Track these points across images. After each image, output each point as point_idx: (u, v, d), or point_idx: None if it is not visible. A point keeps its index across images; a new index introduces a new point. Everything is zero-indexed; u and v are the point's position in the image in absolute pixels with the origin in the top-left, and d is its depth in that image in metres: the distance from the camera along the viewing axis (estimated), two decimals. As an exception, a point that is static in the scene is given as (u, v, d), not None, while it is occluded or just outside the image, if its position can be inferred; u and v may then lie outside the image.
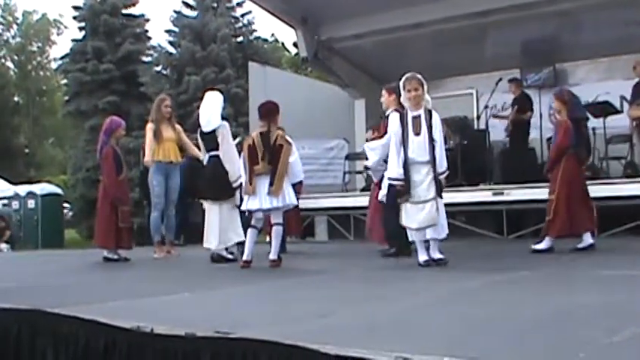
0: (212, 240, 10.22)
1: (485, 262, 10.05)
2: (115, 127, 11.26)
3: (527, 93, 16.51)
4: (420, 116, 8.72)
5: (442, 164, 8.77)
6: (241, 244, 9.93)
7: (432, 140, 8.62)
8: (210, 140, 10.29)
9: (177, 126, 12.49)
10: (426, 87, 8.91)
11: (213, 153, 10.24)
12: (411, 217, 8.60)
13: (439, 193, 8.60)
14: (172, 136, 12.14)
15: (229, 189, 10.16)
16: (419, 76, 8.93)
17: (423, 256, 8.69)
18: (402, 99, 8.96)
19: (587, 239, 10.35)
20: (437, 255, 8.77)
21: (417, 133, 8.64)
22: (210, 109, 10.40)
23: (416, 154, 8.61)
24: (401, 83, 8.93)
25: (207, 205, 10.40)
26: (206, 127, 10.25)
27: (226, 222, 10.19)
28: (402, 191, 8.63)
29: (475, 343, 3.75)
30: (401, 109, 9.07)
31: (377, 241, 11.11)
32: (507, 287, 6.68)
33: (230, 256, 10.37)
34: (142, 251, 11.72)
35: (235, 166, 9.86)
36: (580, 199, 10.47)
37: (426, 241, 8.78)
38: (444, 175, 8.89)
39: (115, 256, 10.96)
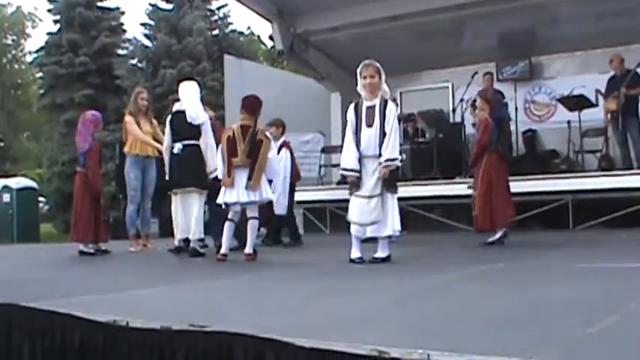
0: (196, 230, 10.19)
1: (460, 255, 10.08)
2: (99, 122, 11.32)
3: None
4: (374, 107, 8.40)
5: (392, 154, 8.28)
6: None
7: (383, 133, 8.30)
8: (190, 130, 10.23)
9: (154, 120, 12.47)
10: (383, 76, 8.51)
11: (190, 142, 10.21)
12: (353, 211, 8.41)
13: (388, 189, 8.37)
14: (149, 129, 12.11)
15: (207, 179, 10.21)
16: (376, 64, 8.51)
17: (354, 253, 8.43)
18: (358, 87, 8.61)
19: (498, 233, 10.66)
20: (377, 253, 8.45)
21: (369, 125, 8.34)
22: (196, 102, 10.43)
23: (364, 148, 8.37)
24: (358, 70, 8.57)
25: (182, 194, 10.33)
26: (196, 120, 10.23)
27: (201, 212, 10.22)
28: (354, 182, 8.40)
29: (450, 336, 3.76)
30: (358, 98, 8.67)
31: None
32: (483, 280, 6.71)
33: (202, 250, 10.37)
34: (117, 245, 11.68)
35: (216, 158, 9.83)
36: (501, 194, 10.69)
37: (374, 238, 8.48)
38: (391, 166, 8.30)
39: (92, 250, 10.92)
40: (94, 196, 10.93)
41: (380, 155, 8.27)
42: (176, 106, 10.66)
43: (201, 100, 10.70)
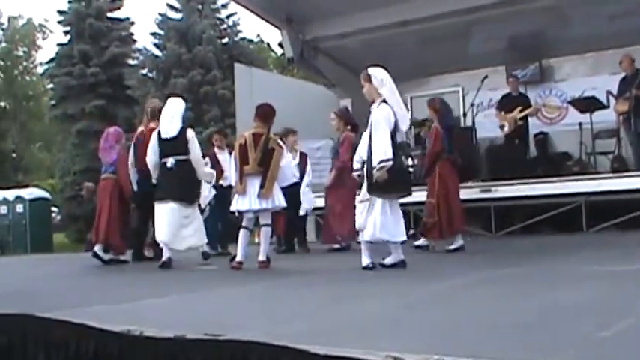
0: (202, 236, 10.46)
1: (474, 260, 10.06)
2: (122, 136, 11.79)
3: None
4: (370, 112, 8.56)
5: (377, 157, 8.14)
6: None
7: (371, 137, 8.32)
8: (177, 145, 10.31)
9: None
10: (375, 80, 8.64)
11: (180, 157, 10.30)
12: (357, 217, 8.52)
13: (372, 193, 8.28)
14: None
15: (199, 191, 10.69)
16: (366, 71, 8.76)
17: (364, 260, 8.40)
18: None
19: (459, 240, 10.79)
20: (385, 259, 8.49)
21: (366, 130, 8.54)
22: (176, 115, 10.49)
23: (361, 152, 8.57)
24: None
25: (177, 205, 10.32)
26: (169, 133, 10.32)
27: (201, 222, 10.55)
28: (358, 186, 8.59)
29: (463, 341, 3.76)
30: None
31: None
32: (494, 284, 6.70)
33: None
34: (129, 254, 11.70)
35: (208, 168, 10.38)
36: (456, 202, 10.93)
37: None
38: (380, 169, 8.11)
39: (106, 257, 10.98)
40: (125, 203, 11.25)
41: (368, 160, 8.29)
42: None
43: (186, 115, 10.89)
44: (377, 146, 8.20)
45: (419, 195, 10.46)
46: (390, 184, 8.19)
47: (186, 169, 10.32)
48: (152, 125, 11.39)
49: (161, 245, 10.37)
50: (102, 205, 11.25)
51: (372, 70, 8.75)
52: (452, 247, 10.78)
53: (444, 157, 10.90)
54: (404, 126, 8.62)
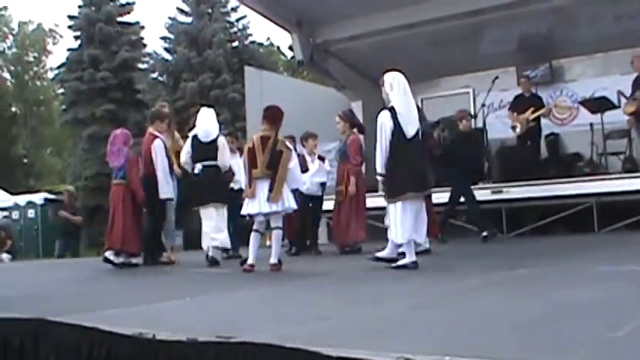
0: (220, 236, 11.00)
1: (485, 261, 10.04)
2: (130, 138, 11.57)
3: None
4: None
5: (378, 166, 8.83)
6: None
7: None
8: (210, 150, 11.01)
9: (176, 133, 12.59)
10: (386, 85, 8.88)
11: (208, 163, 11.01)
12: None
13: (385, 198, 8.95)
14: (170, 144, 12.21)
15: (225, 194, 11.23)
16: (382, 76, 9.04)
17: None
18: None
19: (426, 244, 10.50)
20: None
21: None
22: (214, 121, 11.35)
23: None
24: None
25: (203, 209, 11.11)
26: (207, 137, 10.97)
27: (220, 224, 11.08)
28: None
29: (475, 342, 3.75)
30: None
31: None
32: (508, 285, 6.69)
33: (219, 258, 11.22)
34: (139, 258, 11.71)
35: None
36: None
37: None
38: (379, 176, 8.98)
39: (117, 261, 10.97)
40: (138, 207, 11.17)
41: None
42: (193, 131, 11.38)
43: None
44: (377, 156, 8.78)
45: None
46: (392, 190, 8.73)
47: (211, 173, 10.97)
48: (150, 129, 11.49)
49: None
50: (114, 212, 11.20)
51: (385, 75, 8.92)
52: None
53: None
54: (409, 131, 8.72)
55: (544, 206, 14.41)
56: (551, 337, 3.79)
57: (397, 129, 8.60)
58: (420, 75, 18.23)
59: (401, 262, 8.58)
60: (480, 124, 16.32)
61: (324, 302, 5.99)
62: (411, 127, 8.74)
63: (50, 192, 36.71)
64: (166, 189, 11.31)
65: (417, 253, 8.87)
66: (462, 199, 13.25)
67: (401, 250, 8.67)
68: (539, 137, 16.04)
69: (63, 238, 20.98)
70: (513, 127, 15.96)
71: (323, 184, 12.95)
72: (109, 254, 11.01)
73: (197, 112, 11.71)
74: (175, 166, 11.79)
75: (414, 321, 4.66)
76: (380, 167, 8.72)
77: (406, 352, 3.29)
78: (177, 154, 12.07)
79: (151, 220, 11.63)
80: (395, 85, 8.78)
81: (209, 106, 12.17)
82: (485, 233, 12.84)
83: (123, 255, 11.07)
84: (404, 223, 8.53)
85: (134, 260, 11.23)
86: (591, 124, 15.22)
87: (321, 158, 13.17)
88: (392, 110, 8.67)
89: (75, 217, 20.11)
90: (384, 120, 8.64)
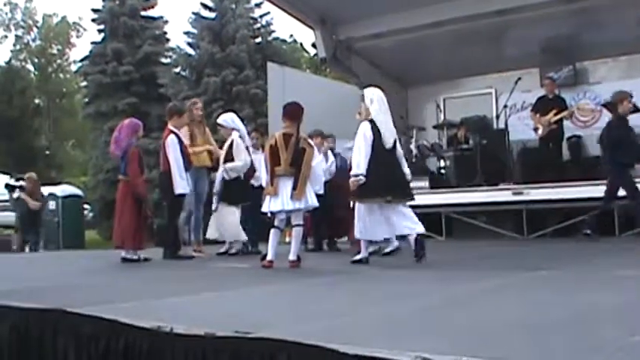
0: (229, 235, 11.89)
1: (505, 262, 10.03)
2: (138, 128, 11.31)
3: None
4: None
5: (352, 169, 9.44)
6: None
7: None
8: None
9: (207, 129, 12.69)
10: (366, 100, 9.68)
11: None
12: None
13: (351, 198, 9.78)
14: (202, 139, 12.35)
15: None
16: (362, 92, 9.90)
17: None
18: None
19: (394, 243, 10.82)
20: None
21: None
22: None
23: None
24: None
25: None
26: None
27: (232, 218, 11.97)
28: None
29: (495, 343, 3.74)
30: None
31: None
32: (527, 287, 6.67)
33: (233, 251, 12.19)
34: (161, 252, 11.72)
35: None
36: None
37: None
38: (351, 180, 9.38)
39: (135, 257, 10.96)
40: (137, 203, 10.99)
41: None
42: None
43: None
44: (353, 160, 9.46)
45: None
46: (364, 191, 9.29)
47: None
48: (169, 124, 11.55)
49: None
50: (117, 209, 11.20)
51: (365, 90, 9.92)
52: (387, 250, 10.98)
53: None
54: (388, 142, 9.46)
55: (565, 209, 14.36)
56: (570, 339, 3.77)
57: (377, 139, 9.32)
58: (443, 74, 18.28)
59: (356, 257, 9.59)
60: (501, 125, 16.29)
61: (341, 299, 5.99)
62: (389, 138, 9.46)
63: (71, 184, 36.93)
64: (180, 184, 11.30)
65: (390, 252, 10.48)
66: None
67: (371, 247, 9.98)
68: (561, 139, 15.98)
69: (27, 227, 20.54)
70: (535, 129, 15.90)
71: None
72: (124, 253, 11.01)
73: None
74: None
75: (432, 321, 4.65)
76: (359, 168, 9.25)
77: (423, 351, 3.29)
78: (209, 151, 12.30)
79: (171, 214, 11.66)
80: (375, 100, 9.60)
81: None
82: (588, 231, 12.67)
83: (125, 251, 11.03)
84: (365, 221, 9.40)
85: (143, 255, 11.18)
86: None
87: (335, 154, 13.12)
88: (372, 122, 9.41)
89: (34, 202, 19.71)
90: (366, 130, 9.35)
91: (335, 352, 3.43)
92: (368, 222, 9.37)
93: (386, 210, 9.33)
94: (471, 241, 13.62)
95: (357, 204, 9.55)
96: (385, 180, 9.25)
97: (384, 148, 9.35)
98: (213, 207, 12.03)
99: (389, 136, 9.45)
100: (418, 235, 9.18)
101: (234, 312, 5.32)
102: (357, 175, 9.21)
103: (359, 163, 9.24)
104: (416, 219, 9.29)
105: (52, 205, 30.20)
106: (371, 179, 9.17)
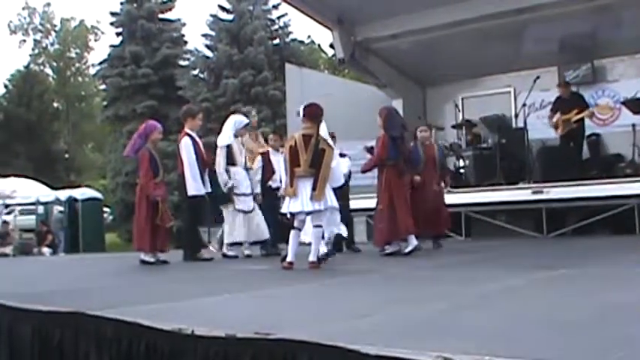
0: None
1: (526, 261, 9.98)
2: (151, 131, 11.26)
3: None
4: None
5: None
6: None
7: None
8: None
9: (259, 136, 13.30)
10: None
11: None
12: None
13: None
14: (254, 145, 12.73)
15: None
16: None
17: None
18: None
19: (412, 242, 10.87)
20: None
21: None
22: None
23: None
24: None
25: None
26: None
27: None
28: None
29: (516, 342, 3.73)
30: None
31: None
32: (548, 285, 6.64)
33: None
34: (181, 254, 11.75)
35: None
36: (399, 207, 10.95)
37: None
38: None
39: (152, 259, 10.97)
40: (151, 206, 10.98)
41: None
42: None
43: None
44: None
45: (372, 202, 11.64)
46: None
47: None
48: (185, 127, 11.62)
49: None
50: (135, 212, 11.27)
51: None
52: (406, 250, 10.90)
53: (388, 163, 11.08)
54: None
55: (584, 207, 14.30)
56: (592, 337, 3.75)
57: None
58: (461, 74, 18.24)
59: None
60: (520, 124, 16.25)
61: (362, 300, 5.97)
62: None
63: (91, 187, 37.10)
64: (193, 186, 11.31)
65: (407, 254, 10.64)
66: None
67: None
68: (581, 138, 15.94)
69: None
70: (555, 128, 15.86)
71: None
72: (142, 256, 11.04)
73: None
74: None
75: (454, 320, 4.63)
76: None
77: (446, 351, 3.28)
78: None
79: (192, 217, 11.69)
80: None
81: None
82: None
83: (149, 254, 11.05)
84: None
85: (162, 257, 11.19)
86: (633, 125, 15.12)
87: (342, 155, 13.09)
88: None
89: None
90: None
91: (357, 353, 3.43)
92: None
93: None
94: (490, 240, 13.59)
95: None
96: None
97: None
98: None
99: None
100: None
101: (254, 313, 5.32)
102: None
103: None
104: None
105: (58, 208, 30.41)
106: None
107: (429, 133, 12.26)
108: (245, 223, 12.05)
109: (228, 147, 11.95)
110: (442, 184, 12.61)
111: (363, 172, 12.00)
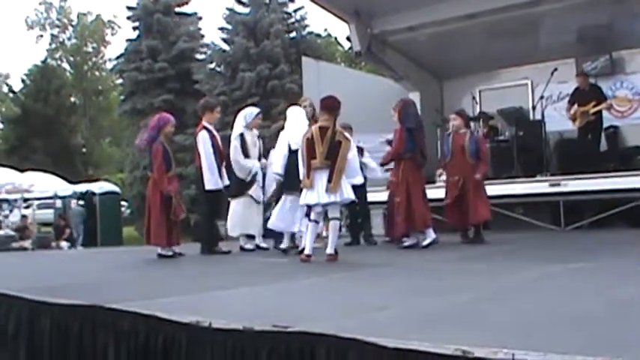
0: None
1: (543, 254, 9.96)
2: (164, 124, 11.24)
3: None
4: None
5: None
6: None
7: None
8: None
9: None
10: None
11: None
12: None
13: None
14: None
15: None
16: None
17: None
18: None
19: (430, 235, 10.92)
20: None
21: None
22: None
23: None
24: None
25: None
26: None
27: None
28: None
29: (534, 335, 3.72)
30: None
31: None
32: (566, 279, 6.62)
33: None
34: (198, 247, 11.76)
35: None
36: (415, 199, 10.93)
37: None
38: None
39: (170, 253, 10.99)
40: (165, 199, 10.96)
41: None
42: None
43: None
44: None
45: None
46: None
47: None
48: (203, 121, 11.60)
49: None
50: (147, 206, 11.26)
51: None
52: (424, 242, 10.92)
53: (406, 156, 11.08)
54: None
55: (602, 200, 14.23)
56: (611, 331, 3.74)
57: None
58: (478, 66, 18.17)
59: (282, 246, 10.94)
60: (538, 116, 16.18)
61: (380, 293, 5.97)
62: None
63: (109, 181, 37.20)
64: (210, 180, 11.30)
65: (425, 246, 10.71)
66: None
67: None
68: (599, 130, 15.86)
69: None
70: (573, 120, 15.80)
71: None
72: (160, 250, 11.04)
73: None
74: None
75: (472, 314, 4.62)
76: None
77: (463, 344, 3.27)
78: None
79: (210, 210, 11.69)
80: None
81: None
82: None
83: (166, 248, 11.06)
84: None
85: (177, 250, 11.19)
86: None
87: (360, 149, 13.08)
88: None
89: None
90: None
91: (374, 346, 3.43)
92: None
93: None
94: (507, 233, 13.53)
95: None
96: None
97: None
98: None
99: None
100: None
101: (272, 306, 5.32)
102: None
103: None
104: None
105: (76, 202, 30.52)
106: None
107: (459, 120, 12.09)
108: (259, 212, 12.09)
109: (242, 136, 11.89)
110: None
111: (382, 164, 12.09)
